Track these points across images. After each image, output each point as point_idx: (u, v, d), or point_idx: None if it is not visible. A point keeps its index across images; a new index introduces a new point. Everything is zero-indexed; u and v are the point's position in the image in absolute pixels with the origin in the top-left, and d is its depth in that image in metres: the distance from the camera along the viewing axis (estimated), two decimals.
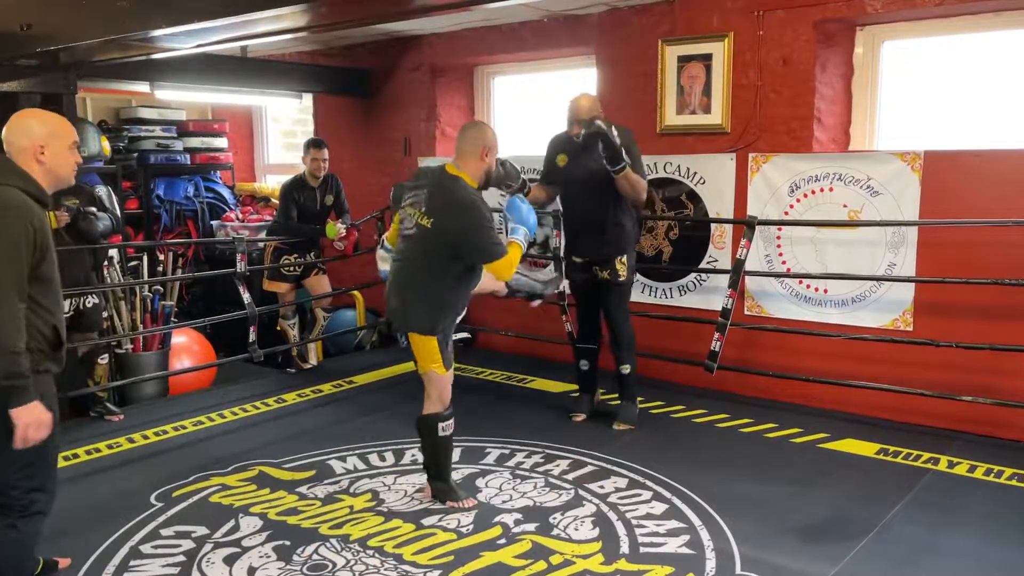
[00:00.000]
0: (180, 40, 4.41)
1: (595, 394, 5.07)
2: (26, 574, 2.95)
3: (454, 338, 3.84)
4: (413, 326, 3.64)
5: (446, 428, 3.75)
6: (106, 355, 5.30)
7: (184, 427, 4.95)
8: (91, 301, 4.95)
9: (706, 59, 5.41)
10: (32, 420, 2.57)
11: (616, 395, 5.01)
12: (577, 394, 5.09)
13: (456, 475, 4.10)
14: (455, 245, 3.53)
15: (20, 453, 2.60)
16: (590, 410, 4.97)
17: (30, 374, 2.57)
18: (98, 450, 4.56)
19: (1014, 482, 3.98)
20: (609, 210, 4.59)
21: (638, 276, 5.86)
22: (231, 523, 3.61)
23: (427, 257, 3.58)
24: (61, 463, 4.06)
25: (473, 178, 3.66)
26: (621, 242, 4.67)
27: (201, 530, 3.54)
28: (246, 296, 5.78)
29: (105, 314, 5.29)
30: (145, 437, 4.77)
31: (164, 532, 3.53)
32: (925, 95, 5.12)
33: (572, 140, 4.55)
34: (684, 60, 5.50)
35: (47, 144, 2.73)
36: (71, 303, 4.82)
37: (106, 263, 5.56)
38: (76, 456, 4.44)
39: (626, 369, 4.80)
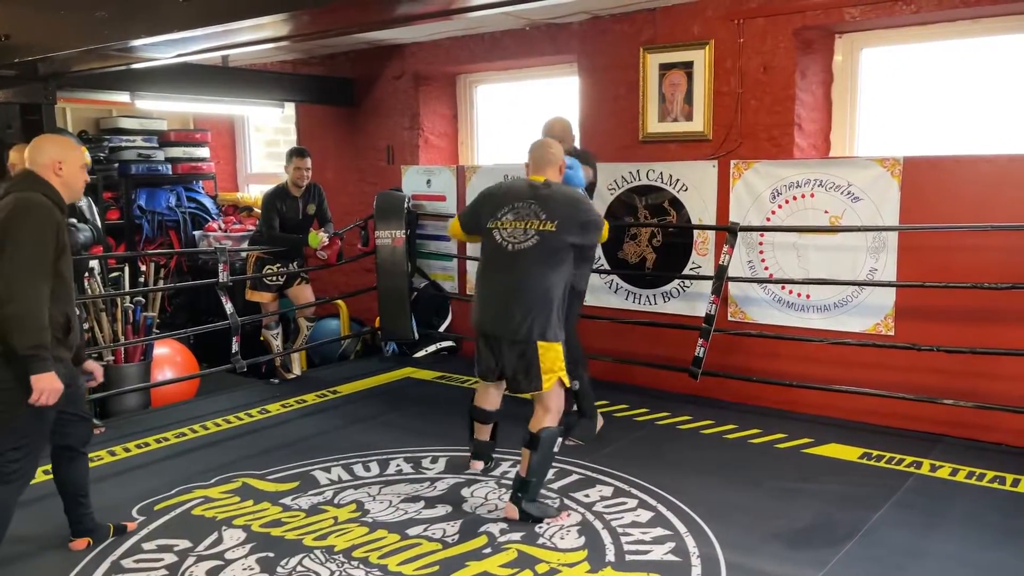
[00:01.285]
0: (160, 50, 4.39)
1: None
2: (2, 533, 3.15)
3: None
4: (545, 335, 3.66)
5: (560, 444, 3.77)
6: None
7: (166, 439, 4.90)
8: None
9: (687, 67, 5.45)
10: (48, 386, 2.98)
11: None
12: None
13: (441, 484, 4.09)
14: (580, 234, 3.74)
15: (17, 425, 3.00)
16: None
17: (50, 347, 2.99)
18: (88, 463, 4.49)
19: (996, 485, 4.01)
20: None
21: (621, 283, 5.89)
22: (214, 536, 3.57)
23: (549, 262, 3.69)
24: (40, 477, 4.02)
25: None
26: None
27: (184, 543, 3.51)
28: (229, 306, 5.75)
29: (86, 326, 5.24)
30: (127, 450, 4.72)
31: (146, 546, 3.49)
32: (904, 101, 5.18)
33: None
34: (665, 68, 5.54)
35: (63, 160, 3.18)
36: None
37: (87, 274, 5.51)
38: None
39: (575, 385, 4.60)
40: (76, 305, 4.88)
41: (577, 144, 5.22)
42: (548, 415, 3.71)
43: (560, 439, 3.77)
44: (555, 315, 3.70)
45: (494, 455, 4.34)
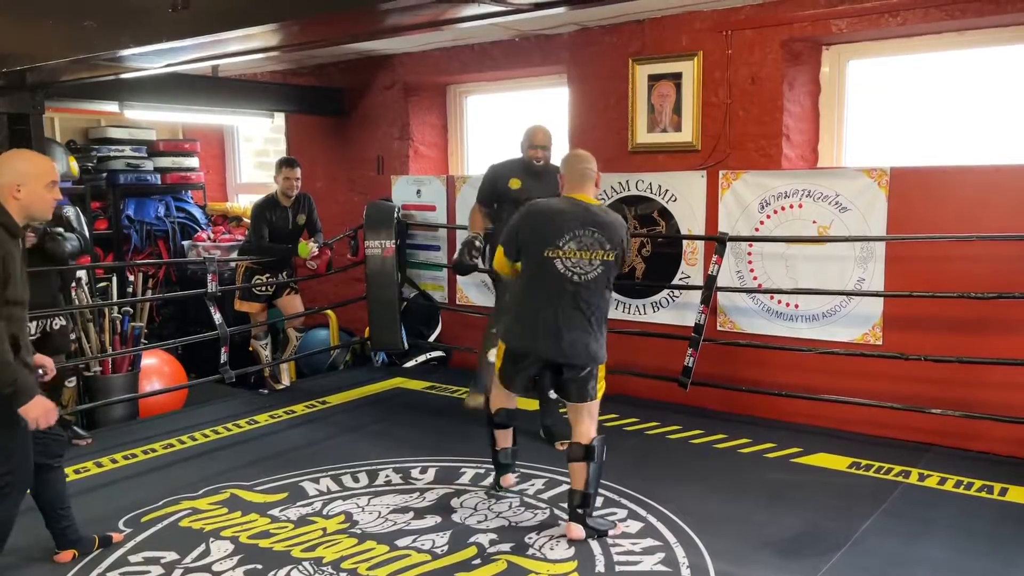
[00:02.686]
0: (149, 60, 4.39)
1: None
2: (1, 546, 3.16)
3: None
4: (601, 357, 3.70)
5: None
6: (74, 378, 5.22)
7: (154, 450, 4.87)
8: (58, 323, 4.88)
9: (676, 78, 5.48)
10: (40, 412, 3.00)
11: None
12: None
13: (431, 495, 4.08)
14: (622, 258, 3.73)
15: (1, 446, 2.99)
16: None
17: (25, 379, 2.97)
18: (65, 475, 4.45)
19: (983, 494, 4.03)
20: None
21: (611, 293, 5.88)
22: (201, 547, 3.54)
23: (606, 288, 3.70)
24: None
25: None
26: None
27: (171, 555, 3.48)
28: (217, 317, 5.73)
29: (73, 336, 5.21)
30: (114, 461, 4.69)
31: (132, 558, 3.47)
32: (891, 113, 5.22)
33: (525, 165, 4.76)
34: (654, 79, 5.56)
35: (23, 183, 3.04)
36: (37, 325, 4.74)
37: (74, 284, 5.48)
38: None
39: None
40: (64, 315, 4.92)
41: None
42: (593, 423, 3.72)
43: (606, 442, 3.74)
44: (605, 334, 3.74)
45: (558, 443, 4.39)
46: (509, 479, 4.12)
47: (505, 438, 4.06)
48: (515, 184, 4.78)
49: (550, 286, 3.62)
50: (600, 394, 3.76)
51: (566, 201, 3.71)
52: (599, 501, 3.96)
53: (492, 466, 4.18)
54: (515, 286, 3.89)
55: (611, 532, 3.62)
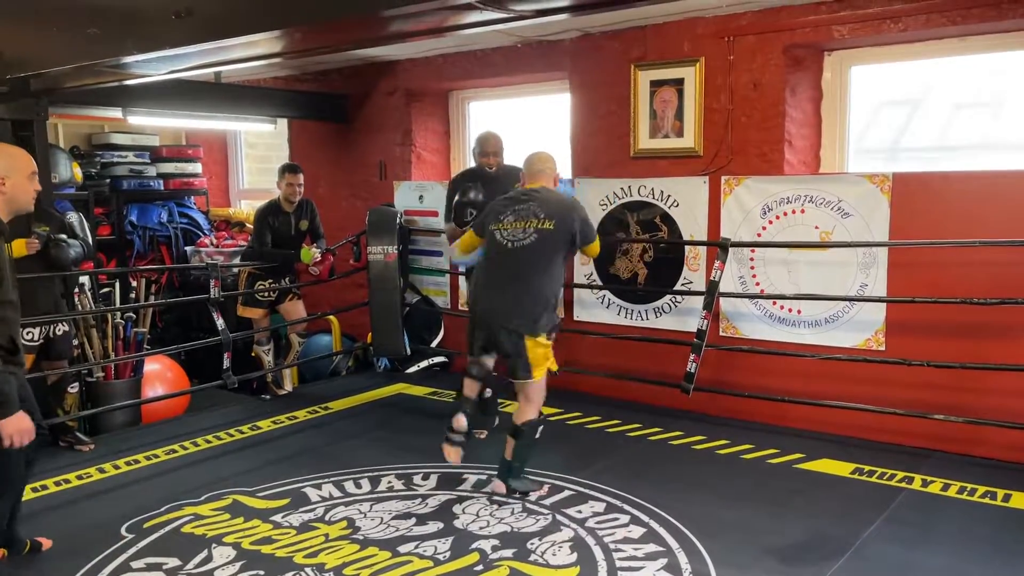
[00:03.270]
0: (152, 66, 4.40)
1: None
2: None
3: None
4: (536, 329, 3.95)
5: (541, 432, 4.11)
6: (76, 383, 5.22)
7: (156, 456, 4.87)
8: (61, 329, 4.89)
9: (678, 83, 5.48)
10: (16, 429, 2.94)
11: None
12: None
13: (433, 501, 4.08)
14: (574, 234, 4.03)
15: None
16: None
17: (11, 390, 2.90)
18: (67, 481, 4.47)
19: (986, 500, 4.02)
20: None
21: (613, 298, 5.90)
22: (204, 554, 3.54)
23: (544, 260, 4.00)
24: (30, 495, 4.01)
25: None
26: None
27: (173, 562, 3.48)
28: (220, 322, 5.74)
29: (76, 342, 5.22)
30: (116, 467, 4.69)
31: (135, 564, 3.46)
32: (893, 118, 5.22)
33: (480, 173, 5.17)
34: (656, 84, 5.57)
35: (7, 175, 2.99)
36: (40, 331, 4.76)
37: (77, 290, 5.49)
38: (45, 488, 4.36)
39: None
40: (67, 321, 4.93)
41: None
42: (531, 407, 4.05)
43: (540, 427, 4.10)
44: (551, 309, 4.00)
45: (476, 431, 4.61)
46: (460, 420, 4.13)
47: (470, 387, 4.26)
48: (473, 192, 5.20)
49: (493, 257, 4.10)
50: (538, 377, 4.00)
51: (518, 190, 4.24)
52: (601, 507, 3.97)
53: (494, 472, 4.21)
54: (478, 261, 4.31)
55: (533, 493, 4.05)
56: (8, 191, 3.03)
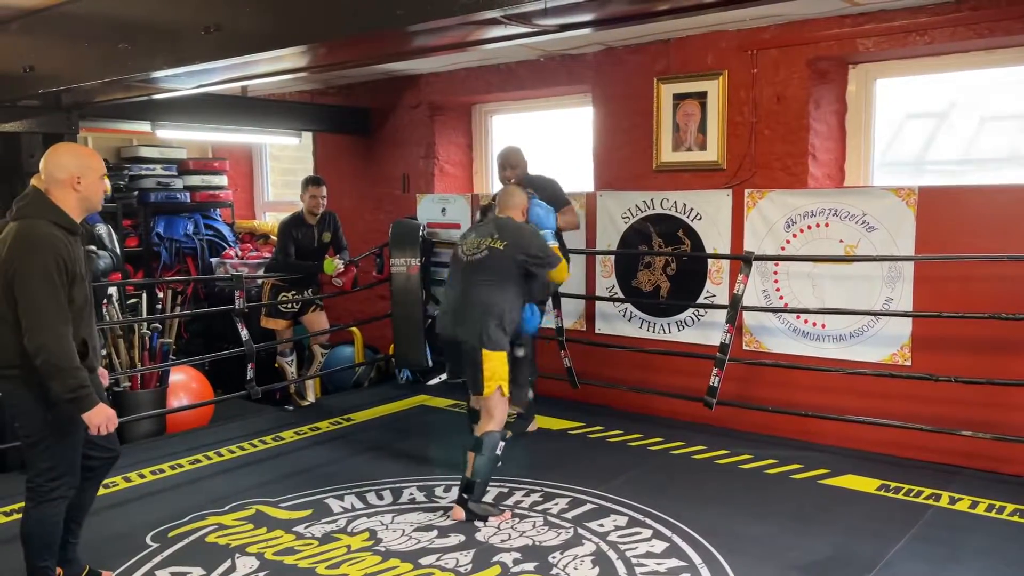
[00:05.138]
0: (181, 81, 4.47)
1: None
2: (54, 548, 3.16)
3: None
4: (486, 343, 3.99)
5: (502, 448, 4.09)
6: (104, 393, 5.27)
7: (181, 466, 4.92)
8: None
9: (701, 97, 5.48)
10: (102, 419, 3.02)
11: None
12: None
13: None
14: (525, 258, 4.16)
15: (45, 447, 3.02)
16: None
17: (89, 383, 2.97)
18: (96, 492, 4.51)
19: (1016, 518, 3.95)
20: None
21: (635, 311, 5.89)
22: (227, 563, 3.57)
23: (497, 276, 4.12)
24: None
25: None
26: None
27: (197, 571, 3.50)
28: (244, 333, 5.78)
29: (104, 352, 5.28)
30: (141, 476, 4.74)
31: (160, 573, 3.49)
32: (919, 131, 5.18)
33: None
34: (679, 98, 5.57)
35: (83, 175, 3.07)
36: None
37: (105, 301, 5.56)
38: None
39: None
40: (97, 332, 4.99)
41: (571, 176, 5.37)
42: (491, 421, 4.05)
43: (502, 442, 4.09)
44: (499, 326, 4.04)
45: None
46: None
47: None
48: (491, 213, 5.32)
49: (454, 269, 4.31)
50: (490, 390, 3.99)
51: (489, 217, 4.48)
52: (623, 520, 3.95)
53: (516, 484, 4.24)
54: None
55: (492, 519, 3.96)
56: (83, 189, 3.07)
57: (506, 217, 4.34)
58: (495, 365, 4.00)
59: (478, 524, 3.94)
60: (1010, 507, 4.06)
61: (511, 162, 5.23)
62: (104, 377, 3.44)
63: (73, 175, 3.05)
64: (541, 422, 5.63)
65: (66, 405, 2.94)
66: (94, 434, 3.04)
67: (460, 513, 3.99)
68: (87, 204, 3.14)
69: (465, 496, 4.00)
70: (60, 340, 2.90)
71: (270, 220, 8.75)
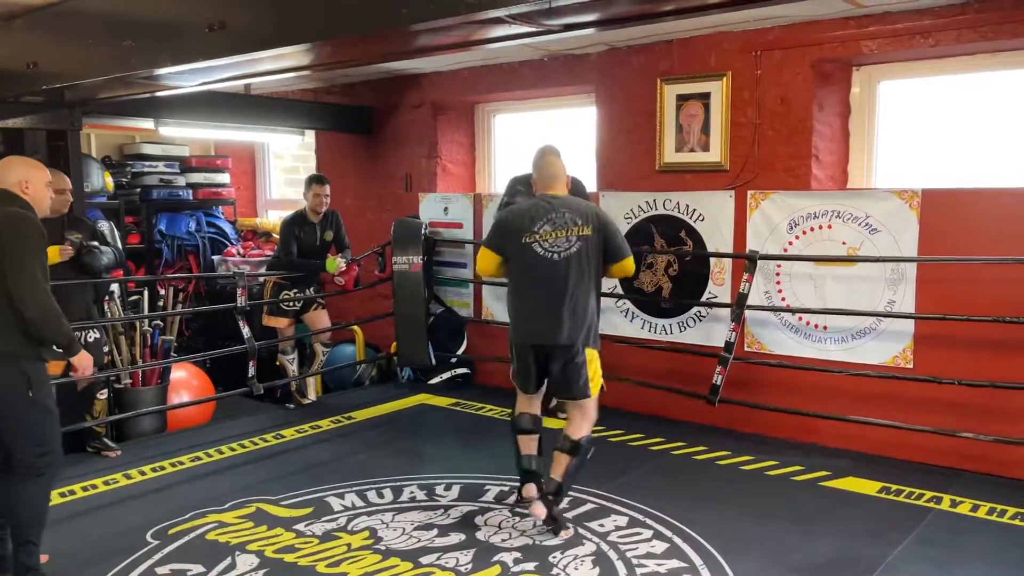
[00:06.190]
0: (185, 78, 4.47)
1: None
2: (43, 524, 3.36)
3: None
4: (593, 342, 3.81)
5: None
6: (105, 390, 5.28)
7: (182, 463, 4.92)
8: (93, 335, 4.96)
9: (704, 98, 5.47)
10: (86, 362, 3.58)
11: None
12: None
13: (455, 512, 4.08)
14: (608, 248, 3.86)
15: (33, 426, 3.27)
16: None
17: (72, 334, 3.46)
18: (94, 487, 4.52)
19: (1017, 521, 3.95)
20: None
21: (637, 311, 5.88)
22: (227, 561, 3.57)
23: (589, 268, 3.81)
24: (56, 500, 4.06)
25: None
26: None
27: (197, 568, 3.50)
28: (246, 331, 5.78)
29: (105, 348, 5.29)
30: (142, 473, 4.74)
31: (160, 571, 3.49)
32: (923, 134, 5.17)
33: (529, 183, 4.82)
34: (683, 99, 5.57)
35: (29, 180, 3.42)
36: None
37: (107, 297, 5.57)
38: (72, 493, 4.41)
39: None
40: (99, 328, 5.01)
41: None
42: (587, 422, 3.84)
43: (593, 447, 3.89)
44: (597, 323, 3.86)
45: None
46: (531, 489, 3.89)
47: (528, 444, 4.02)
48: (520, 197, 4.92)
49: (532, 272, 3.82)
50: (595, 391, 3.85)
51: (538, 198, 3.95)
52: (624, 520, 3.95)
53: (517, 483, 4.15)
54: (508, 285, 4.02)
55: (563, 533, 3.77)
56: (31, 193, 3.40)
57: (564, 196, 3.92)
58: (597, 364, 3.85)
59: (479, 523, 3.94)
60: (1011, 510, 4.06)
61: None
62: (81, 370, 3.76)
63: (21, 179, 3.41)
64: (544, 421, 5.62)
65: (21, 366, 3.24)
66: (79, 375, 3.68)
67: (542, 511, 3.74)
68: (36, 207, 3.46)
69: (551, 497, 3.78)
70: (48, 295, 3.30)
71: (272, 218, 8.75)
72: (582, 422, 3.84)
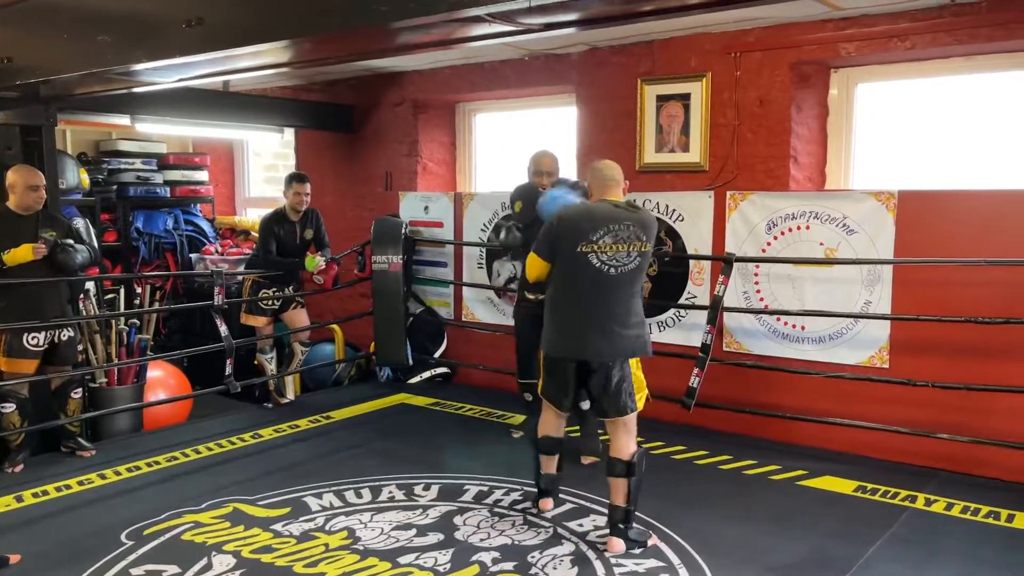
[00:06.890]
0: (161, 74, 4.43)
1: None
2: None
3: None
4: (637, 350, 3.69)
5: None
6: (79, 389, 5.22)
7: (158, 463, 4.87)
8: (66, 334, 4.90)
9: (684, 98, 5.50)
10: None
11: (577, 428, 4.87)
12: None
13: (434, 512, 4.07)
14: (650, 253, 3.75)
15: None
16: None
17: None
18: (68, 487, 4.47)
19: (991, 520, 4.00)
20: None
21: None
22: (203, 562, 3.54)
23: (641, 281, 3.71)
24: (29, 500, 4.02)
25: None
26: None
27: (172, 569, 3.47)
28: (223, 329, 5.74)
29: (80, 347, 5.23)
30: (117, 473, 4.69)
31: (134, 572, 3.45)
32: (899, 136, 5.22)
33: (535, 192, 4.78)
34: (663, 99, 5.59)
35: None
36: (46, 335, 4.77)
37: (82, 295, 5.50)
38: (46, 493, 4.36)
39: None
40: (73, 326, 4.96)
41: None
42: (631, 436, 3.67)
43: (646, 456, 3.74)
44: (647, 331, 3.78)
45: (584, 457, 4.39)
46: (547, 504, 4.06)
47: (549, 464, 4.06)
48: (518, 207, 4.99)
49: (585, 283, 3.60)
50: (641, 404, 3.77)
51: (604, 205, 3.69)
52: (602, 520, 3.95)
53: (496, 484, 4.17)
54: (549, 292, 3.80)
55: (649, 542, 3.67)
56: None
57: (631, 205, 3.74)
58: (640, 375, 3.74)
59: (457, 523, 3.93)
60: (985, 509, 4.11)
61: (550, 168, 4.92)
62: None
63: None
64: (523, 420, 5.62)
65: None
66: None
67: (620, 546, 3.59)
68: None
69: (621, 526, 3.61)
70: None
71: (251, 216, 8.69)
72: (627, 439, 3.64)
